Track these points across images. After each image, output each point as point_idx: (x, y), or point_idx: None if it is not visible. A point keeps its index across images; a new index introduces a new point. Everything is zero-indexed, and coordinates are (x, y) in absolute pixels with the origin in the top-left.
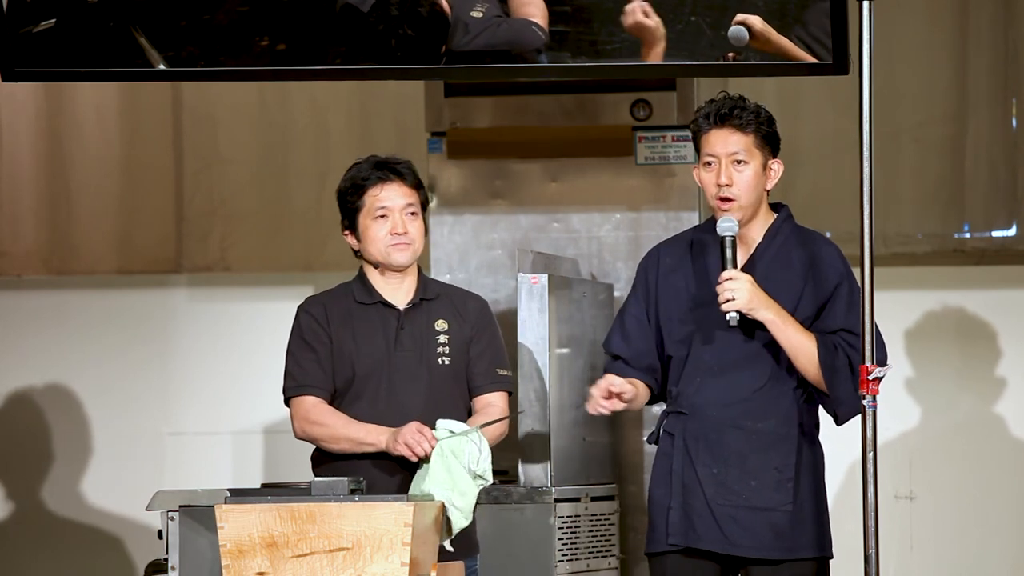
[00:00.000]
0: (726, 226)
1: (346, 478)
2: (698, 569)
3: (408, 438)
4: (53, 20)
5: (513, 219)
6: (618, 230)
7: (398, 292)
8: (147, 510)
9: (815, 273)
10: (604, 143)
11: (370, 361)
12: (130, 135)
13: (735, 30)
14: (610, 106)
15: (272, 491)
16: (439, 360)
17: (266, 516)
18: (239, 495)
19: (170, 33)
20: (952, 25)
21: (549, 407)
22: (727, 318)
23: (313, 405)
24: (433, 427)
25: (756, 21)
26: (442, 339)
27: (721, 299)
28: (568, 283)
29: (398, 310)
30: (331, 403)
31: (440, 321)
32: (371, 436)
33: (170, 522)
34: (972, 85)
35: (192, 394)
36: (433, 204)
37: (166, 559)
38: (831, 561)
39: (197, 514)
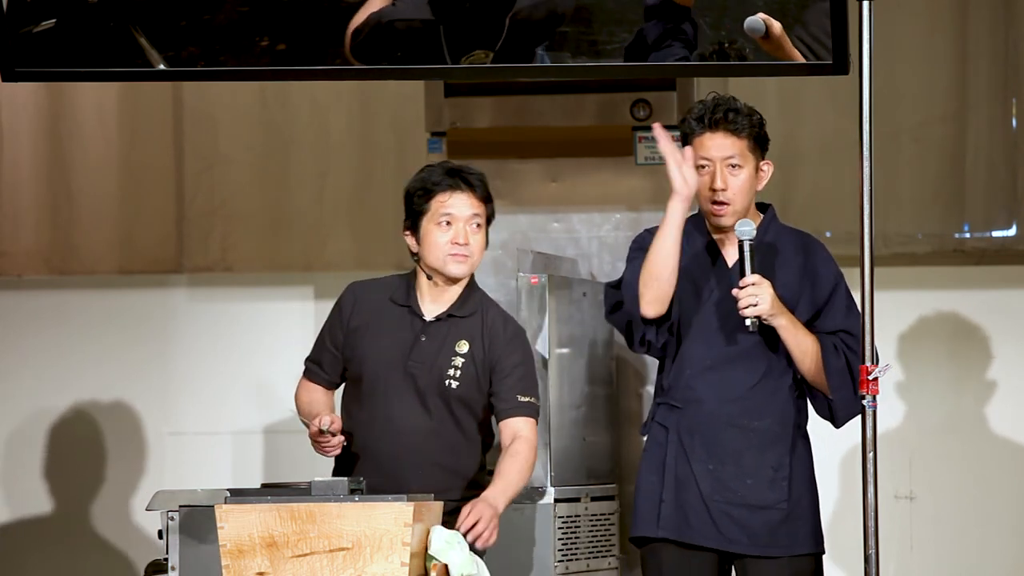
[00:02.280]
0: (745, 230)
1: (346, 478)
2: (695, 559)
3: (312, 437)
4: (53, 20)
5: (513, 219)
6: (618, 230)
7: (436, 301)
8: (147, 510)
9: (811, 276)
10: (604, 143)
11: (379, 366)
12: (130, 135)
13: (753, 20)
14: (610, 106)
15: (272, 491)
16: (446, 382)
17: (266, 516)
18: (239, 495)
19: (170, 33)
20: (952, 25)
21: (549, 407)
22: (747, 323)
23: (303, 386)
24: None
25: (777, 26)
26: (457, 361)
27: (742, 304)
28: (568, 283)
29: (423, 320)
30: (332, 389)
31: (462, 343)
32: (311, 421)
33: (170, 522)
34: (972, 85)
35: (192, 394)
36: None
37: (166, 559)
38: (828, 561)
39: (197, 514)
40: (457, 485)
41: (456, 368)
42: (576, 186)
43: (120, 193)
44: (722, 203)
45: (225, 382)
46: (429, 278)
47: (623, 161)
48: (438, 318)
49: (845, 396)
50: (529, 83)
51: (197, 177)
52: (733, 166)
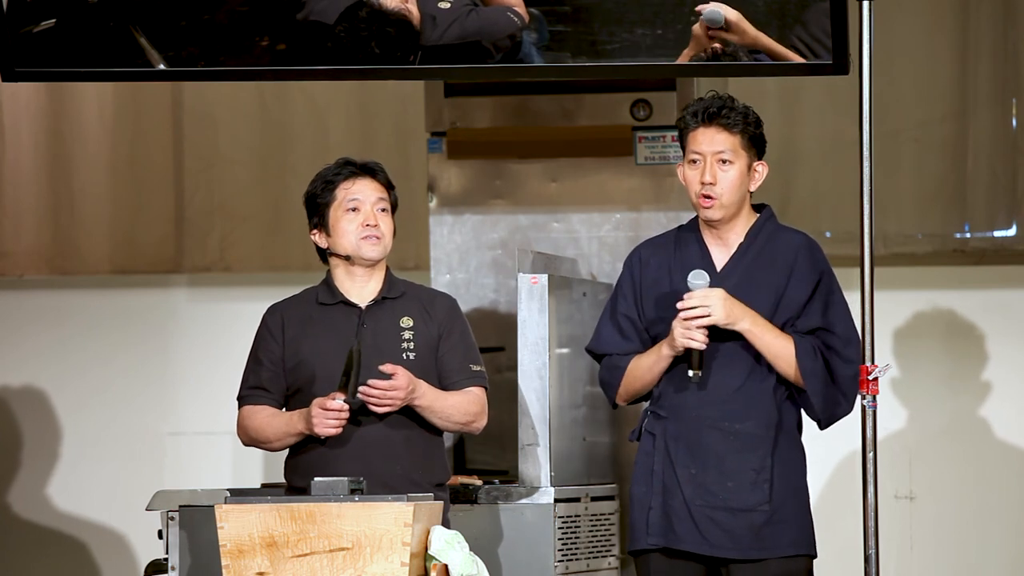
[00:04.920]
0: (699, 283)
1: (346, 478)
2: (681, 569)
3: (314, 424)
4: (53, 20)
5: (513, 219)
6: (618, 230)
7: (363, 291)
8: (147, 510)
9: (796, 271)
10: (604, 143)
11: (329, 360)
12: (130, 135)
13: (712, 12)
14: (610, 106)
15: (272, 491)
16: (403, 355)
17: (266, 516)
18: (239, 495)
19: (170, 33)
20: (952, 25)
21: (549, 407)
22: (688, 374)
23: (247, 413)
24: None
25: (733, 14)
26: (407, 335)
27: (689, 315)
28: (568, 283)
29: (359, 308)
30: (280, 408)
31: (405, 318)
32: (291, 426)
33: (170, 522)
34: (972, 85)
35: (192, 394)
36: (433, 204)
37: (166, 559)
38: (828, 561)
39: (197, 514)
40: (423, 466)
41: (408, 341)
42: (576, 186)
43: (120, 193)
44: (709, 197)
45: (225, 382)
46: (347, 259)
47: (623, 161)
48: (374, 302)
49: (824, 399)
50: (529, 83)
51: (196, 177)
52: (723, 161)
